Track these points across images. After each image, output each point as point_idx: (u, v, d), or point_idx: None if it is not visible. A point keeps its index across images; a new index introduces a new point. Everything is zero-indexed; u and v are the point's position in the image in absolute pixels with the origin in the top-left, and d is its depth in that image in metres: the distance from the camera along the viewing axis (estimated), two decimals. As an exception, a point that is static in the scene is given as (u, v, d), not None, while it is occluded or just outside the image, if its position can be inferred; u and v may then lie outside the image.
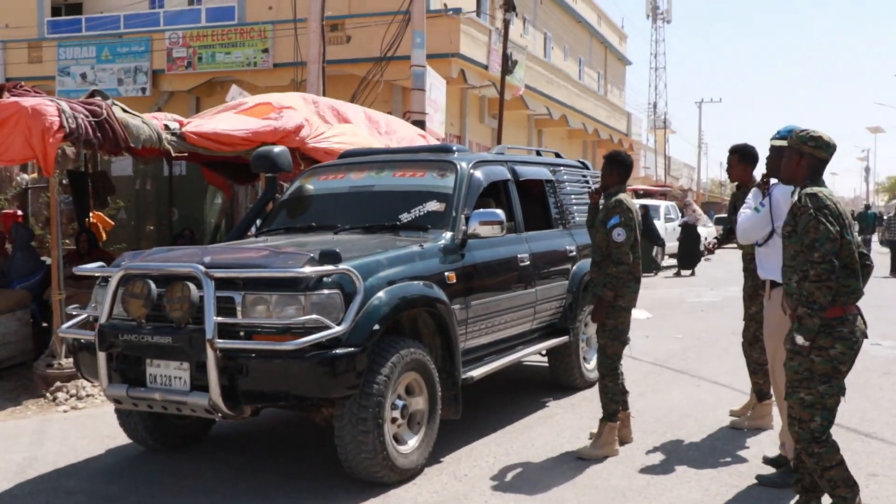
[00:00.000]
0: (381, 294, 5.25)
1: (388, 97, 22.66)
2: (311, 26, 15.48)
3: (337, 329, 4.90)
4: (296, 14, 17.14)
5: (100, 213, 12.48)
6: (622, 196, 6.20)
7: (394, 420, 5.37)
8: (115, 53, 26.48)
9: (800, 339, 4.25)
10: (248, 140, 9.11)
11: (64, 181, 11.31)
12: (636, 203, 6.41)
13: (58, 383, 7.89)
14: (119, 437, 6.35)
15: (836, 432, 4.45)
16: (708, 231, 29.46)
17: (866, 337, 4.45)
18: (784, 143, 4.64)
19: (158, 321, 5.16)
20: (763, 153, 5.78)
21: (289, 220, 7.08)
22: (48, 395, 7.82)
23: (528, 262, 7.04)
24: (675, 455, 6.11)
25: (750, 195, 5.71)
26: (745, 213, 5.58)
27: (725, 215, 7.93)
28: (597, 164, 7.98)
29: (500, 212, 6.29)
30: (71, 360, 6.90)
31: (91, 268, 5.80)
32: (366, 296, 5.11)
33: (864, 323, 4.43)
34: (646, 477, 5.64)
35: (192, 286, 5.01)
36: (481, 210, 6.33)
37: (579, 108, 35.01)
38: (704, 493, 5.32)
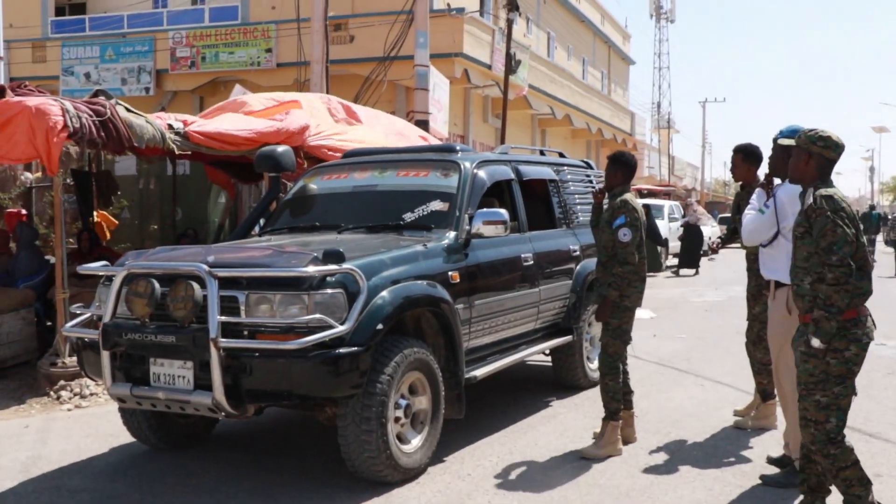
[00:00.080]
0: (384, 294, 5.25)
1: (391, 97, 22.68)
2: (314, 26, 15.49)
3: (340, 328, 4.90)
4: (299, 14, 17.13)
5: (104, 213, 12.49)
6: (627, 196, 6.20)
7: (397, 419, 5.37)
8: (119, 53, 26.54)
9: (816, 342, 4.22)
10: (251, 140, 9.12)
11: (68, 180, 11.32)
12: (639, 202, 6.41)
13: (62, 382, 7.90)
14: (122, 436, 6.36)
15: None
16: (712, 231, 29.46)
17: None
18: (791, 141, 4.62)
19: (162, 320, 5.16)
20: (767, 153, 5.77)
21: (292, 220, 7.08)
22: (52, 393, 7.83)
23: (531, 262, 7.04)
24: (678, 455, 6.11)
25: (754, 196, 5.69)
26: (749, 214, 5.55)
27: (729, 215, 7.92)
28: (600, 164, 7.99)
29: (503, 211, 6.29)
30: (75, 358, 6.91)
31: (95, 267, 5.80)
32: (369, 295, 5.11)
33: (874, 323, 4.42)
34: (649, 477, 5.64)
35: (195, 285, 5.01)
36: (485, 210, 6.33)
37: (583, 107, 35.02)
38: (708, 493, 5.31)
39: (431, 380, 5.62)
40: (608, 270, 6.18)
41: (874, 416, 7.00)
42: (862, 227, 4.53)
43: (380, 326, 5.12)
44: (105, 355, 5.27)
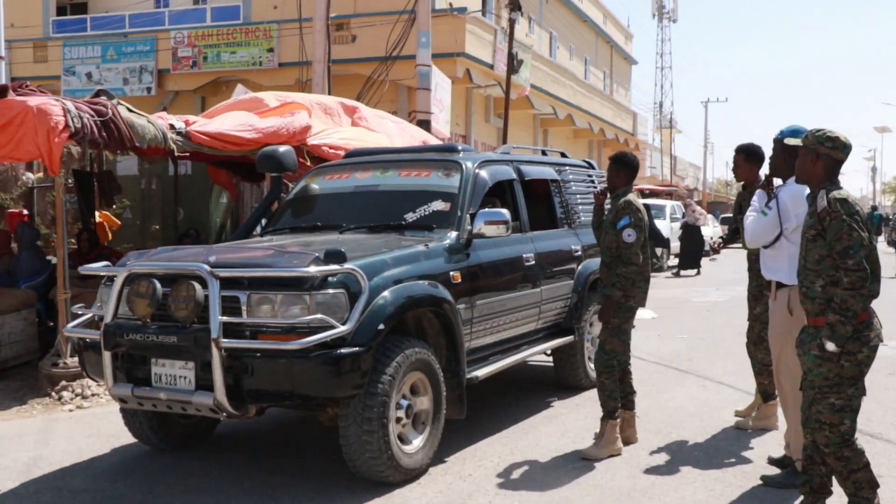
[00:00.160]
0: (386, 294, 5.24)
1: (393, 97, 22.68)
2: (316, 26, 15.49)
3: (342, 329, 4.90)
4: (301, 13, 17.14)
5: (107, 213, 12.50)
6: (630, 196, 6.19)
7: (398, 420, 5.36)
8: (121, 53, 26.55)
9: (831, 346, 4.20)
10: (253, 140, 9.12)
11: (69, 181, 11.32)
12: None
13: (63, 382, 7.90)
14: (124, 437, 6.36)
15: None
16: (713, 231, 29.43)
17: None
18: (798, 141, 4.60)
19: (164, 320, 5.16)
20: (769, 153, 5.76)
21: (294, 220, 7.08)
22: (53, 394, 7.83)
23: (533, 262, 7.03)
24: (679, 455, 6.10)
25: (755, 197, 5.68)
26: (751, 216, 5.53)
27: (731, 215, 7.91)
28: (602, 164, 7.99)
29: (505, 211, 6.29)
30: (76, 359, 6.92)
31: (97, 267, 5.80)
32: (371, 295, 5.11)
33: (880, 324, 4.41)
34: (650, 477, 5.64)
35: (197, 286, 5.01)
36: (486, 210, 6.32)
37: (585, 107, 35.02)
38: (709, 494, 5.31)
39: (433, 380, 5.62)
40: (612, 271, 6.18)
41: (875, 417, 6.99)
42: None
43: (381, 326, 5.11)
44: (106, 356, 5.27)
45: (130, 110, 8.37)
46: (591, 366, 7.97)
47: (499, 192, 7.10)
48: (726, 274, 21.45)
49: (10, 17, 27.35)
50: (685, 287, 18.85)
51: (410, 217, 6.45)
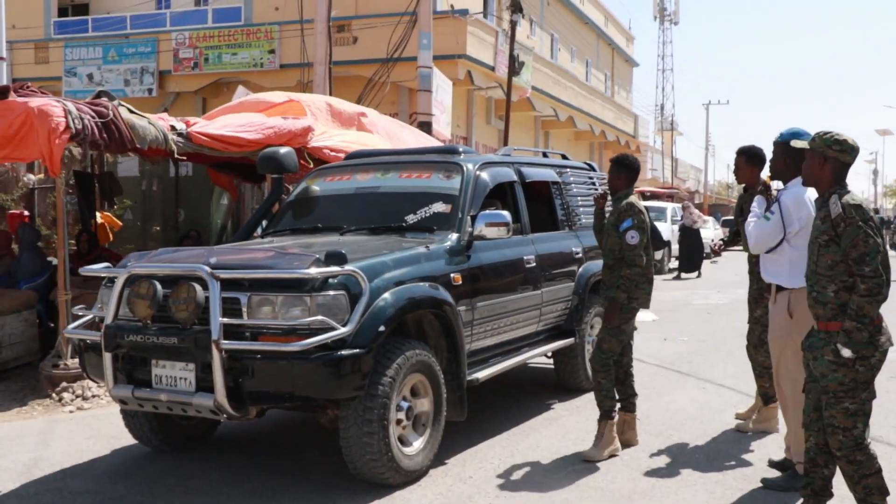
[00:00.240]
0: (386, 295, 5.24)
1: (394, 98, 22.70)
2: (317, 27, 15.50)
3: (342, 330, 4.90)
4: (302, 15, 17.14)
5: (108, 214, 12.50)
6: (632, 199, 6.20)
7: (399, 422, 5.36)
8: (122, 54, 26.57)
9: (847, 353, 4.18)
10: (254, 141, 9.12)
11: (70, 182, 11.32)
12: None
13: (64, 384, 7.90)
14: (124, 438, 6.36)
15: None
16: (714, 233, 29.42)
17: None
18: (805, 143, 4.57)
19: (164, 322, 5.16)
20: (770, 155, 5.74)
21: (295, 221, 7.08)
22: (54, 395, 7.82)
23: (534, 264, 7.03)
24: (680, 458, 6.10)
25: (755, 203, 5.66)
26: (753, 221, 5.50)
27: (732, 217, 7.91)
28: (603, 166, 7.99)
29: (506, 213, 6.28)
30: (77, 360, 6.91)
31: (97, 268, 5.80)
32: (371, 297, 5.10)
33: (887, 327, 4.40)
34: (651, 480, 5.63)
35: (197, 287, 5.00)
36: (487, 211, 6.32)
37: (586, 109, 35.02)
38: (709, 496, 5.31)
39: (433, 382, 5.62)
40: (615, 273, 6.18)
41: (876, 420, 6.91)
42: None
43: (382, 328, 5.11)
44: (107, 357, 5.27)
45: (131, 111, 8.37)
46: (590, 367, 7.97)
47: (500, 194, 7.10)
48: (727, 276, 21.45)
49: (11, 18, 27.37)
50: (686, 289, 18.85)
51: (411, 219, 6.44)
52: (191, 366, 5.08)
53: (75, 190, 11.62)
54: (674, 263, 23.79)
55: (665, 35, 68.00)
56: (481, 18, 25.21)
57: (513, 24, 23.17)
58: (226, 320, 4.94)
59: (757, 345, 6.58)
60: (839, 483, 4.69)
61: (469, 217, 6.32)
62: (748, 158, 6.49)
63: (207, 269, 5.04)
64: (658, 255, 21.91)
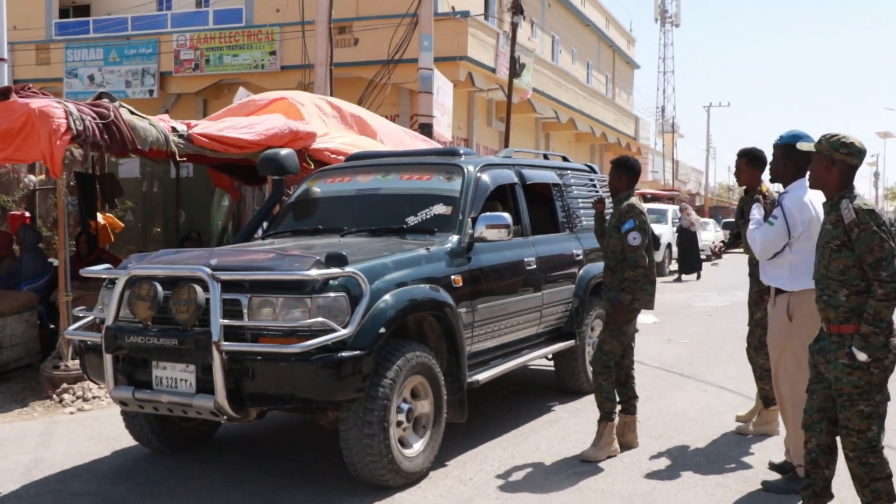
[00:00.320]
0: (387, 297, 5.24)
1: (395, 100, 22.72)
2: (318, 29, 15.51)
3: (343, 332, 4.90)
4: (303, 16, 17.17)
5: (110, 216, 12.51)
6: (633, 200, 6.20)
7: (399, 423, 5.36)
8: (123, 55, 26.60)
9: (863, 356, 4.17)
10: (255, 143, 9.12)
11: (71, 183, 11.33)
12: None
13: (64, 385, 7.90)
14: (125, 439, 6.36)
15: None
16: (715, 235, 29.41)
17: None
18: (811, 146, 4.55)
19: (165, 323, 5.16)
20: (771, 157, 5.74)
21: (295, 223, 7.09)
22: (55, 396, 7.82)
23: (534, 266, 7.03)
24: (680, 460, 6.10)
25: (753, 211, 5.64)
26: (757, 227, 5.45)
27: (733, 220, 7.90)
28: (604, 168, 7.99)
29: (506, 215, 6.28)
30: (77, 361, 6.91)
31: (98, 270, 5.80)
32: (372, 299, 5.11)
33: None
34: (651, 482, 5.63)
35: (198, 289, 5.01)
36: (488, 213, 6.32)
37: (587, 111, 35.04)
38: (710, 499, 5.31)
39: (434, 384, 5.62)
40: (616, 275, 6.18)
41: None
42: None
43: (382, 330, 5.11)
44: (108, 358, 5.27)
45: (132, 113, 8.37)
46: (591, 369, 7.97)
47: (500, 196, 7.10)
48: (727, 279, 21.45)
49: (12, 19, 27.40)
50: (686, 292, 18.85)
51: (412, 220, 6.45)
52: (191, 367, 5.08)
53: (76, 191, 11.62)
54: (674, 266, 23.79)
55: (666, 37, 68.13)
56: (482, 20, 25.22)
57: (514, 26, 23.20)
58: (226, 322, 4.95)
59: (757, 347, 6.58)
60: (839, 486, 4.70)
61: (470, 219, 6.32)
62: (749, 160, 6.48)
63: (208, 270, 5.05)
64: (658, 257, 21.93)
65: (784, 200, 5.33)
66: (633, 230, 6.04)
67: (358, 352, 4.97)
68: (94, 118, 7.75)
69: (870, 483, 4.32)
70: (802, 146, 4.76)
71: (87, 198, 11.61)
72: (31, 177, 13.00)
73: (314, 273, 4.94)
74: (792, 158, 5.35)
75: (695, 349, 10.86)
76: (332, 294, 4.98)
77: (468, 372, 6.06)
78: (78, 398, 7.81)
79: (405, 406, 5.42)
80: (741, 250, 6.64)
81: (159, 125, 8.49)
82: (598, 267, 7.47)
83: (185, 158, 9.41)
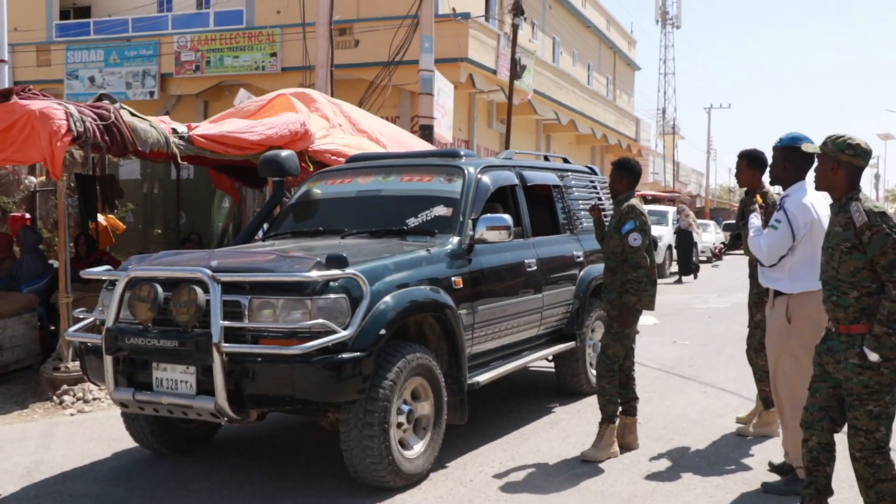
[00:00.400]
0: (387, 299, 5.24)
1: (396, 102, 22.72)
2: (319, 30, 15.50)
3: (343, 333, 4.90)
4: (304, 18, 17.17)
5: (112, 217, 12.51)
6: (634, 201, 6.21)
7: (399, 425, 5.36)
8: (124, 57, 26.60)
9: (874, 357, 4.16)
10: (256, 144, 9.13)
11: (72, 184, 11.33)
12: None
13: (64, 387, 7.90)
14: (125, 441, 6.36)
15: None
16: (716, 237, 29.40)
17: None
18: (816, 148, 4.53)
19: (165, 325, 5.16)
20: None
21: (296, 225, 7.09)
22: (55, 398, 7.82)
23: (535, 268, 7.03)
24: (680, 462, 6.10)
25: (753, 219, 5.63)
26: (760, 235, 5.43)
27: (734, 221, 7.90)
28: (605, 170, 8.00)
29: (507, 217, 6.29)
30: (78, 363, 6.91)
31: (98, 271, 5.81)
32: (372, 300, 5.10)
33: None
34: (651, 483, 5.63)
35: (198, 290, 5.01)
36: (489, 215, 6.32)
37: (588, 113, 35.03)
38: (709, 500, 5.31)
39: (434, 385, 5.62)
40: (617, 276, 6.19)
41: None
42: None
43: (383, 332, 5.11)
44: (108, 360, 5.27)
45: (133, 114, 8.37)
46: (592, 371, 7.96)
47: (501, 198, 7.10)
48: (728, 280, 21.46)
49: (13, 20, 27.38)
50: (687, 293, 18.85)
51: (412, 222, 6.45)
52: (192, 369, 5.08)
53: (77, 192, 11.62)
54: (675, 267, 23.79)
55: (667, 39, 68.18)
56: (483, 22, 25.22)
57: (514, 28, 23.18)
58: (227, 323, 4.94)
59: (757, 349, 6.57)
60: (839, 486, 4.70)
61: (470, 220, 6.33)
62: (749, 162, 6.48)
63: (208, 272, 5.04)
64: (659, 258, 21.94)
65: (786, 203, 5.31)
66: (634, 231, 6.04)
67: (358, 353, 4.97)
68: (94, 120, 7.76)
69: (875, 484, 4.31)
70: (807, 148, 4.74)
71: (88, 199, 11.62)
72: (32, 178, 13.00)
73: (315, 274, 4.94)
74: (792, 161, 5.34)
75: (695, 351, 10.85)
76: (332, 295, 4.98)
77: (468, 373, 6.06)
78: (78, 400, 7.81)
79: (405, 407, 5.42)
80: (741, 252, 6.63)
81: (160, 127, 8.50)
82: (598, 268, 7.47)
83: (186, 160, 9.41)
